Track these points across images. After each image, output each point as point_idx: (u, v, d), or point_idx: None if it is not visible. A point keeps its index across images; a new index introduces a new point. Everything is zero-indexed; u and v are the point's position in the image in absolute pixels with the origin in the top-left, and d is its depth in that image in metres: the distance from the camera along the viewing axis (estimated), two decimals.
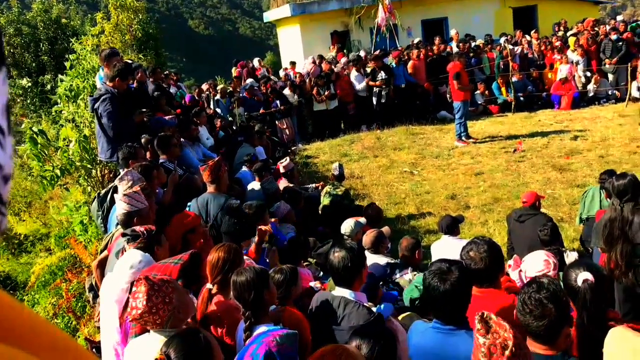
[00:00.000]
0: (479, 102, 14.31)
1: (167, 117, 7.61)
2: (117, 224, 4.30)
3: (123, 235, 3.63)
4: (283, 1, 19.58)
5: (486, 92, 14.50)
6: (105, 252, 4.34)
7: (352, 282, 3.08)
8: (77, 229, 7.46)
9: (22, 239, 12.00)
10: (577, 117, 12.86)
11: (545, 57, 15.09)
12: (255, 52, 29.34)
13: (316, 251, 5.28)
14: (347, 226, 5.53)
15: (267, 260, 4.48)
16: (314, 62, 14.87)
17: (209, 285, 3.34)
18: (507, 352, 1.66)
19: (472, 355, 1.85)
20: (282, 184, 7.41)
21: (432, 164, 10.53)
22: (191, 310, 2.91)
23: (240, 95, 12.88)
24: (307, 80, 13.77)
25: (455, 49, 14.65)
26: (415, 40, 16.08)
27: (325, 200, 7.15)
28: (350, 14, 18.24)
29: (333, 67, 14.22)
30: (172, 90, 11.67)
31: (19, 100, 18.45)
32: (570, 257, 4.65)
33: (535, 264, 3.41)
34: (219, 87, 13.27)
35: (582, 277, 2.70)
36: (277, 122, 12.99)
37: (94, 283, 4.76)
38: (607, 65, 14.01)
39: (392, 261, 5.00)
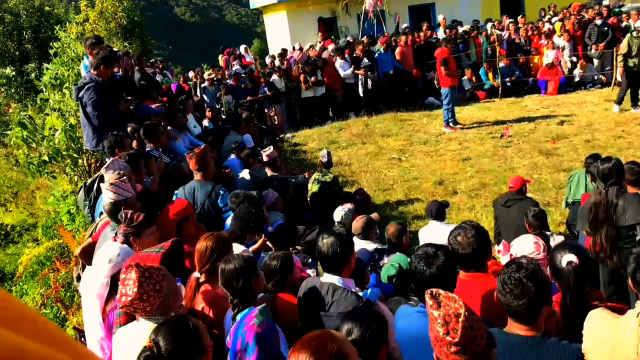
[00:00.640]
0: (466, 88, 14.32)
1: (153, 106, 7.56)
2: (102, 213, 4.29)
3: (115, 221, 3.62)
4: None
5: (473, 78, 14.52)
6: (89, 240, 4.31)
7: (341, 268, 3.07)
8: (65, 218, 7.42)
9: (9, 230, 11.92)
10: (564, 102, 12.95)
11: (532, 42, 15.12)
12: (242, 40, 29.06)
13: (304, 239, 5.29)
14: (340, 213, 5.54)
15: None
16: (300, 48, 14.78)
17: (196, 274, 3.34)
18: (461, 319, 1.79)
19: (428, 330, 1.90)
20: (267, 172, 7.39)
21: (420, 150, 10.56)
22: (180, 298, 2.90)
23: (228, 82, 12.79)
24: (295, 67, 13.71)
25: (442, 35, 14.62)
26: (403, 26, 16.01)
27: (314, 187, 7.15)
28: (338, 0, 18.13)
29: (320, 52, 14.13)
30: (158, 78, 11.56)
31: (2, 89, 18.20)
32: (557, 240, 4.70)
33: (525, 247, 3.44)
34: (205, 75, 13.14)
35: (567, 259, 2.74)
36: (265, 109, 12.94)
37: (81, 273, 4.75)
38: (592, 51, 14.07)
39: (381, 247, 5.02)
